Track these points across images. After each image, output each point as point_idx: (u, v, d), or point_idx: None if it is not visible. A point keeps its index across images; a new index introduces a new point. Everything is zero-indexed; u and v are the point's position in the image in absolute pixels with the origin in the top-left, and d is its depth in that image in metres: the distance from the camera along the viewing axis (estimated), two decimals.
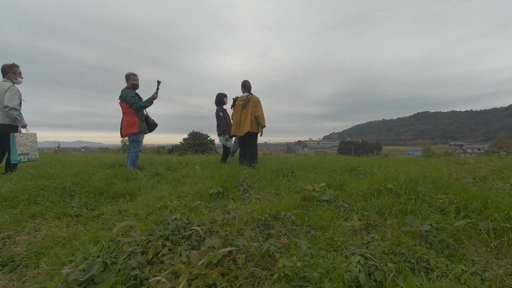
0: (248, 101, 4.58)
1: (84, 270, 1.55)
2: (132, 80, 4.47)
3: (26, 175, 3.27)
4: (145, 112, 4.65)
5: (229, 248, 1.65)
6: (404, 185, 2.38)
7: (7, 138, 3.81)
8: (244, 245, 1.76)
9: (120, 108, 4.44)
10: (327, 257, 1.65)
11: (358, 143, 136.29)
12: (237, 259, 1.67)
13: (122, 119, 4.45)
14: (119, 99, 4.35)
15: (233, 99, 5.73)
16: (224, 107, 5.30)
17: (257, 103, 4.56)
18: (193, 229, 1.75)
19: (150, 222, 2.14)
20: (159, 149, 16.03)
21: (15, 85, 3.98)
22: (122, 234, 2.03)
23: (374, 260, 1.53)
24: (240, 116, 4.64)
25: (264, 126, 4.71)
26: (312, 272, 1.48)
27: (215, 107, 5.09)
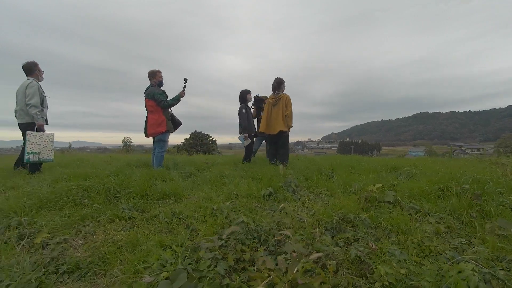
0: (279, 99, 4.47)
1: (167, 279, 1.44)
2: (158, 77, 4.35)
3: (62, 176, 3.14)
4: (170, 111, 4.52)
5: (318, 254, 1.53)
6: (474, 186, 2.28)
7: None
8: (330, 251, 1.64)
9: (146, 106, 4.29)
10: (423, 264, 1.54)
11: (357, 144, 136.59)
12: (327, 266, 1.55)
13: (147, 118, 4.32)
14: (145, 97, 4.22)
15: (254, 97, 5.61)
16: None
17: (287, 102, 4.43)
18: (282, 233, 1.62)
19: (211, 225, 2.02)
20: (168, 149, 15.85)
21: (35, 81, 3.88)
22: (189, 238, 1.91)
23: (482, 267, 1.42)
24: (270, 114, 4.52)
25: (291, 127, 4.55)
26: (419, 280, 1.37)
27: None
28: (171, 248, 1.76)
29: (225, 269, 1.49)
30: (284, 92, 4.58)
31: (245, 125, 4.68)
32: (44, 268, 1.62)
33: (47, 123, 4.15)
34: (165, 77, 4.47)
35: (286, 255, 1.61)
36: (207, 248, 1.72)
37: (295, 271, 1.40)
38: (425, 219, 2.05)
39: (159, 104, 4.12)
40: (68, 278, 1.58)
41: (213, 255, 1.59)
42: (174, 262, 1.57)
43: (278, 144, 4.55)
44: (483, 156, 5.33)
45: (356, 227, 1.99)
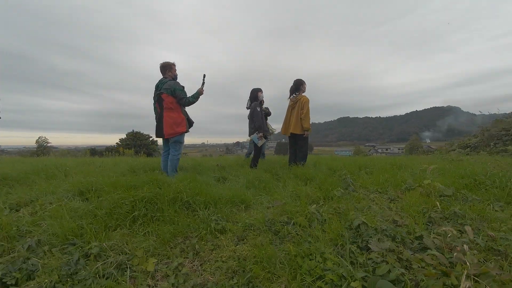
0: (296, 101, 4.49)
1: None
2: (174, 71, 3.88)
3: (88, 186, 2.49)
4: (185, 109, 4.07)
5: (466, 246, 1.67)
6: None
7: None
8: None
9: (162, 103, 3.70)
10: None
11: None
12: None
13: (162, 116, 3.75)
14: (164, 92, 3.66)
15: None
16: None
17: (304, 104, 4.41)
18: (444, 229, 1.69)
19: (331, 229, 1.96)
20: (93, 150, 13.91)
21: None
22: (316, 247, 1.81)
23: None
24: (288, 117, 4.56)
25: (308, 129, 4.43)
26: None
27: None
28: (315, 256, 1.64)
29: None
30: (305, 92, 4.60)
31: (260, 124, 4.51)
32: None
33: None
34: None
35: (431, 250, 1.70)
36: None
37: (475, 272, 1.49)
38: (488, 207, 2.43)
39: (180, 102, 3.67)
40: None
41: (381, 259, 1.56)
42: (349, 271, 1.47)
43: (298, 146, 4.57)
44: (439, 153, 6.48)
45: (446, 219, 2.23)
